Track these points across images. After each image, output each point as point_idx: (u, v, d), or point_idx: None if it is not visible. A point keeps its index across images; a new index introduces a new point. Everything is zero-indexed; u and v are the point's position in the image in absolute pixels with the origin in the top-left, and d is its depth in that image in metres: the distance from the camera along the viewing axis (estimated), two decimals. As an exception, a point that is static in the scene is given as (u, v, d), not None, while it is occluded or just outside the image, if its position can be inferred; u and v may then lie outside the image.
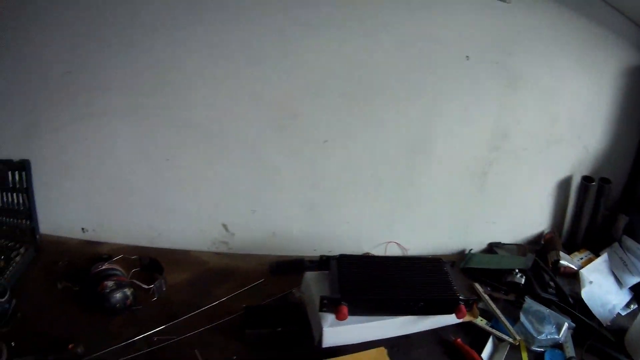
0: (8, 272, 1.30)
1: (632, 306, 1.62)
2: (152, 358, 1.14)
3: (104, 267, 1.28)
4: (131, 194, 1.47)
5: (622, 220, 1.88)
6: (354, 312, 1.14)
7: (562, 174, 1.78)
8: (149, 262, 1.39)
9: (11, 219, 1.47)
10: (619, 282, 1.69)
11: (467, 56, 1.47)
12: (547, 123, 1.65)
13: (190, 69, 1.32)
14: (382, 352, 1.15)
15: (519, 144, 1.65)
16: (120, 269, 1.31)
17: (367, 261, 1.41)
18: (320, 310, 1.13)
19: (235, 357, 1.14)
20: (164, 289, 1.34)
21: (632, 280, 1.67)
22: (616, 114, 1.75)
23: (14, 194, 1.45)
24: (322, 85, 1.41)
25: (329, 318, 1.12)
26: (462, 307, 1.23)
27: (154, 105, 1.35)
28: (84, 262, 1.36)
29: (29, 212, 1.47)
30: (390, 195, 1.63)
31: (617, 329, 1.48)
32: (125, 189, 1.47)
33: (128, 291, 1.22)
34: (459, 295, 1.25)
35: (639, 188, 1.89)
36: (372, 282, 1.26)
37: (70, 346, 1.15)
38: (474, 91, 1.53)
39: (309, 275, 1.27)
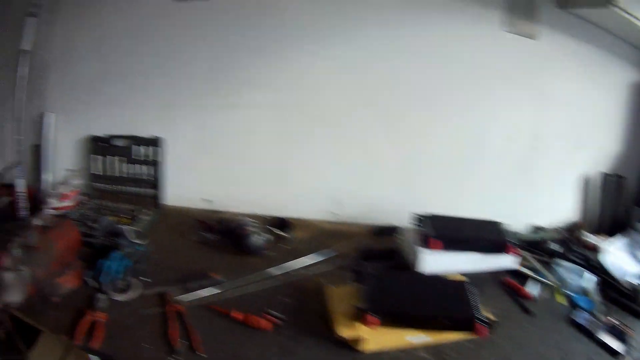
0: (138, 226, 1.56)
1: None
2: (284, 284, 1.45)
3: (243, 218, 1.64)
4: (261, 170, 1.83)
5: (638, 212, 2.16)
6: (384, 323, 1.27)
7: (583, 170, 2.14)
8: (279, 221, 1.74)
9: (137, 188, 1.76)
10: (635, 260, 1.90)
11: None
12: (570, 128, 2.04)
13: (322, 76, 1.73)
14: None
15: (550, 144, 2.03)
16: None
17: (400, 278, 1.52)
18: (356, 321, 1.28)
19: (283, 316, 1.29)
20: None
21: (647, 257, 1.91)
22: (626, 121, 2.13)
23: (143, 166, 1.74)
24: (420, 98, 1.87)
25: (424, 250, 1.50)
26: (480, 326, 1.32)
27: (290, 102, 1.76)
28: (211, 222, 1.67)
29: (155, 182, 1.77)
30: (458, 178, 2.01)
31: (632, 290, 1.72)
32: (256, 166, 1.83)
33: (266, 236, 1.59)
34: (476, 315, 1.33)
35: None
36: (401, 297, 1.38)
37: (212, 274, 1.42)
38: (514, 105, 1.97)
39: (406, 230, 1.65)
